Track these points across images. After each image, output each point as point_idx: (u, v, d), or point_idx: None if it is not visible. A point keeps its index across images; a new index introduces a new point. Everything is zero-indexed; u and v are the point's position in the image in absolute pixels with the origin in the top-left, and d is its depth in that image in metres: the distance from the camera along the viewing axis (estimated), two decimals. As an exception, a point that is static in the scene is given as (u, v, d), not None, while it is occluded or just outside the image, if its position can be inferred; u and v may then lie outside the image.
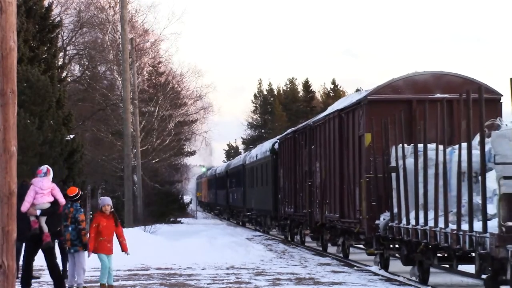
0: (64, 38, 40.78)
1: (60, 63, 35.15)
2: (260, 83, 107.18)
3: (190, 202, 78.97)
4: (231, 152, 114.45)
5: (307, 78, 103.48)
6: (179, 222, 48.40)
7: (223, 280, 16.17)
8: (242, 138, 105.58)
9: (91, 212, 27.96)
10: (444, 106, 14.05)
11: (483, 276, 12.50)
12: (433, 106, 14.76)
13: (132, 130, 35.93)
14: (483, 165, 11.85)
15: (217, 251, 22.01)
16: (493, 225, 11.46)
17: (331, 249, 23.75)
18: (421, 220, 14.36)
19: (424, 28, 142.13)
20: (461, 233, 12.47)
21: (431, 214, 13.96)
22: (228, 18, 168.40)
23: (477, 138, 12.69)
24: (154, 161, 45.49)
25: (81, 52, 42.81)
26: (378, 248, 17.61)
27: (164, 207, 48.47)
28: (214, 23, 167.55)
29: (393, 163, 16.17)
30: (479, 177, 12.24)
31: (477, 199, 12.37)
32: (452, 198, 13.21)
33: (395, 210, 15.95)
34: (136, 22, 44.91)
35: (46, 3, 31.10)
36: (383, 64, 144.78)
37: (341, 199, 20.62)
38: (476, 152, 12.34)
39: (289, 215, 28.86)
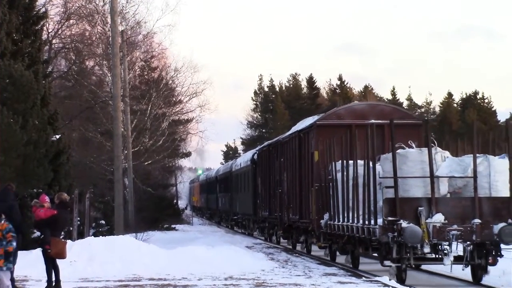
0: (50, 31, 40.71)
1: (45, 57, 35.08)
2: (260, 79, 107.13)
3: (186, 208, 78.96)
4: (230, 154, 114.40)
5: (311, 74, 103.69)
6: (174, 229, 48.40)
7: (221, 291, 16.18)
8: (241, 138, 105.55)
9: (78, 218, 27.97)
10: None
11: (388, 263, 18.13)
12: (367, 129, 19.32)
13: (122, 129, 35.92)
14: (374, 179, 18.16)
15: (214, 260, 21.98)
16: (381, 220, 17.57)
17: (299, 246, 29.21)
18: (345, 219, 20.41)
19: (429, 21, 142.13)
20: (365, 226, 18.62)
21: (351, 214, 19.93)
22: (226, 9, 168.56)
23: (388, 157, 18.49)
24: (146, 163, 45.42)
25: (67, 46, 42.69)
26: (326, 242, 23.64)
27: (157, 212, 48.48)
28: (211, 15, 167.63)
29: (331, 176, 21.91)
30: (383, 187, 17.94)
31: (381, 202, 17.85)
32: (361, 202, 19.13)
33: (332, 211, 21.82)
34: (127, 13, 44.80)
35: (30, -7, 31.02)
36: (391, 58, 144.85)
37: (300, 203, 26.54)
38: (378, 167, 18.60)
39: (266, 218, 35.06)
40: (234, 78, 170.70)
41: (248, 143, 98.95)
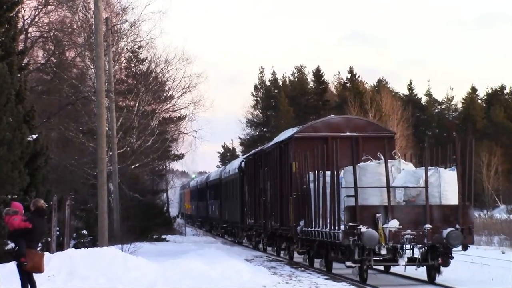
0: (26, 18, 40.76)
1: (20, 47, 35.12)
2: (261, 72, 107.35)
3: (178, 216, 79.02)
4: (227, 155, 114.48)
5: (318, 66, 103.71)
6: (164, 239, 48.44)
7: (217, 310, 16.17)
8: (240, 138, 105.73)
9: (57, 228, 27.96)
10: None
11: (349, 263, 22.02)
12: (343, 141, 24.11)
13: (107, 128, 35.90)
14: (337, 188, 22.10)
15: (210, 275, 21.98)
16: (343, 225, 21.54)
17: (282, 254, 33.12)
18: (317, 225, 24.29)
19: (448, 7, 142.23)
20: (331, 231, 22.65)
21: (321, 221, 23.89)
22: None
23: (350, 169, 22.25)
24: (133, 166, 45.48)
25: (45, 35, 42.74)
26: (304, 248, 27.25)
27: (146, 221, 48.45)
28: (206, 1, 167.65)
29: (305, 185, 25.72)
30: (345, 196, 21.68)
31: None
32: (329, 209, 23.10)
33: (307, 218, 25.67)
34: (113, -2, 44.87)
35: (3, -24, 31.01)
36: (407, 49, 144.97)
37: (281, 211, 30.61)
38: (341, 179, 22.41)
39: (252, 226, 38.93)
40: (232, 71, 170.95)
41: (247, 144, 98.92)
